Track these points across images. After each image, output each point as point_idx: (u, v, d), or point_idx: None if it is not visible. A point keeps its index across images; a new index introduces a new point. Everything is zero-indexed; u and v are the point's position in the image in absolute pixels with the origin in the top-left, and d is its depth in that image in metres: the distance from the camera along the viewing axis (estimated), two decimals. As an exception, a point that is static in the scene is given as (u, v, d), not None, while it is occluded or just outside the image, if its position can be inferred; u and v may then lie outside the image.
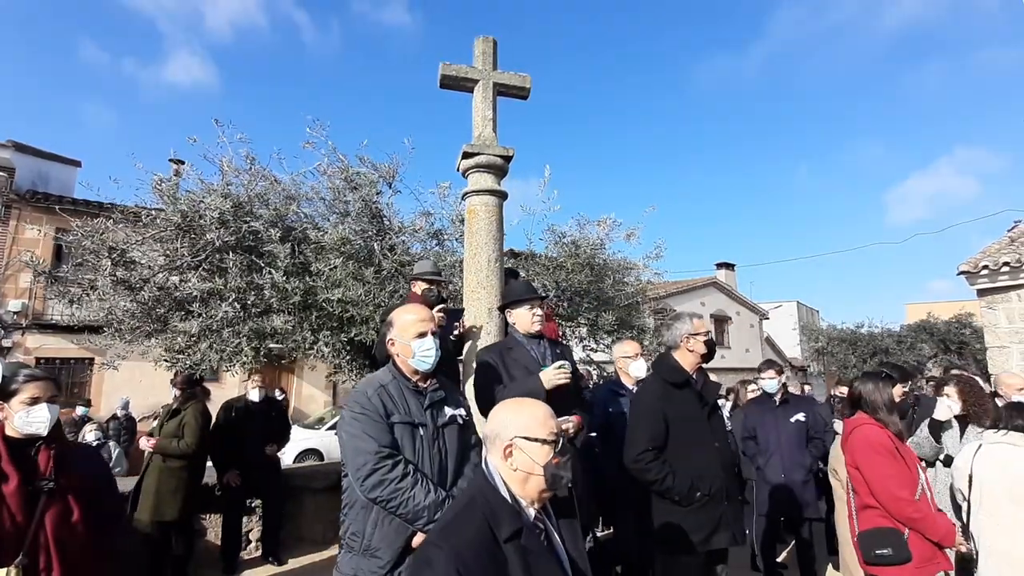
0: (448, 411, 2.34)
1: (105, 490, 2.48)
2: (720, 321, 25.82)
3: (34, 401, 2.19)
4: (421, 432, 2.22)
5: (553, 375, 2.71)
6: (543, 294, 3.18)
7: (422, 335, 2.28)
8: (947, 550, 2.66)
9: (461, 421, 2.36)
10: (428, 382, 2.34)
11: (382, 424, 2.15)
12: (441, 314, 3.55)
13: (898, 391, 3.98)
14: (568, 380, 2.75)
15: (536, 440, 1.45)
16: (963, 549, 2.73)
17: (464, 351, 3.59)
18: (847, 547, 3.25)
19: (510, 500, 1.46)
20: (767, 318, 29.35)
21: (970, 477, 2.80)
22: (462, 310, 3.75)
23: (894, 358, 18.98)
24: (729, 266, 28.45)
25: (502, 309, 3.21)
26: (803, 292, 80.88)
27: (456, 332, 3.62)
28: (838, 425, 3.85)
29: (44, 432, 2.20)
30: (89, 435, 7.95)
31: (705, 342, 2.87)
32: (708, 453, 2.75)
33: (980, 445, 2.86)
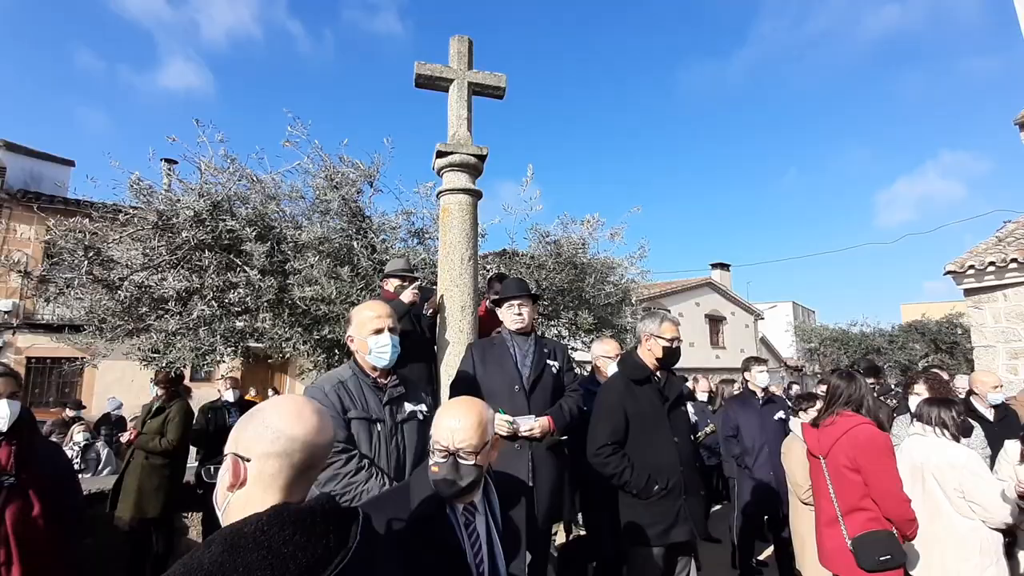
0: (408, 407, 2.35)
1: (66, 486, 2.50)
2: (715, 321, 25.85)
3: None
4: (379, 427, 2.24)
5: (501, 422, 2.71)
6: (533, 292, 3.19)
7: (378, 331, 2.28)
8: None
9: (421, 417, 2.37)
10: (388, 378, 2.36)
11: (338, 419, 2.16)
12: (415, 291, 3.60)
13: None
14: (531, 435, 2.76)
15: (433, 440, 1.53)
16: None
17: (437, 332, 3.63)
18: (808, 551, 3.28)
19: (433, 488, 1.53)
20: (762, 318, 29.39)
21: None
22: (432, 289, 3.79)
23: (886, 358, 19.02)
24: (724, 266, 28.48)
25: (495, 305, 3.27)
26: (800, 293, 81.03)
27: (428, 311, 3.66)
28: (793, 423, 3.88)
29: (4, 428, 2.22)
30: (77, 435, 7.93)
31: (664, 347, 2.86)
32: (666, 448, 2.78)
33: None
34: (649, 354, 2.92)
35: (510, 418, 2.72)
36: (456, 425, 1.50)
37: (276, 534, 0.89)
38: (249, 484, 0.99)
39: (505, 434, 2.71)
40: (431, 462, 1.51)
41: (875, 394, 4.89)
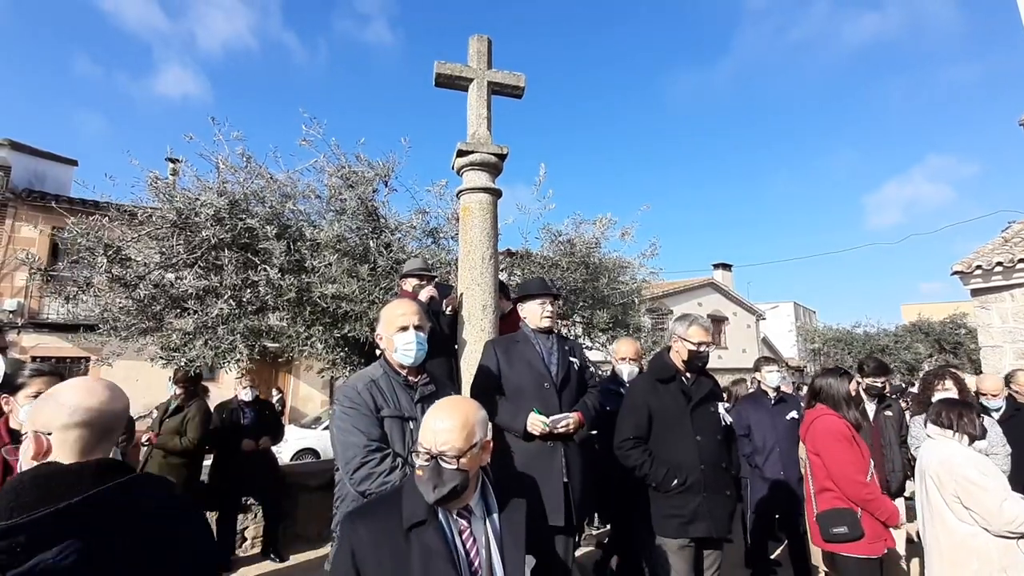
0: None
1: None
2: (717, 321, 25.87)
3: (39, 396, 2.24)
4: (411, 426, 2.23)
5: (536, 423, 2.71)
6: (556, 292, 3.21)
7: (403, 329, 2.28)
8: (892, 529, 2.94)
9: None
10: (419, 376, 2.36)
11: (371, 418, 2.17)
12: (433, 290, 3.59)
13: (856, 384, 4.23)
14: (567, 431, 2.76)
15: (418, 442, 1.47)
16: (908, 529, 2.93)
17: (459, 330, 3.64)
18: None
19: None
20: (764, 318, 29.41)
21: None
22: (450, 287, 3.78)
23: (892, 357, 19.01)
24: (726, 266, 28.52)
25: (515, 303, 3.26)
26: (801, 293, 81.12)
27: (448, 308, 3.66)
28: None
29: None
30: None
31: (689, 350, 2.91)
32: (687, 446, 2.82)
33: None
34: (677, 355, 2.98)
35: (545, 418, 2.72)
36: (439, 427, 1.43)
37: (25, 491, 1.11)
38: (54, 452, 1.20)
39: (539, 434, 2.72)
40: (416, 465, 1.45)
41: (888, 392, 4.92)
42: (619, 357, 4.03)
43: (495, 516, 1.52)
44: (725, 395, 7.54)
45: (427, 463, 1.41)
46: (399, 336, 2.28)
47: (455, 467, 1.40)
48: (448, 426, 1.43)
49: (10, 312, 12.85)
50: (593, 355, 6.68)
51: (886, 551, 2.92)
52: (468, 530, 1.47)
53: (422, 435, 1.46)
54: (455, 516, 1.47)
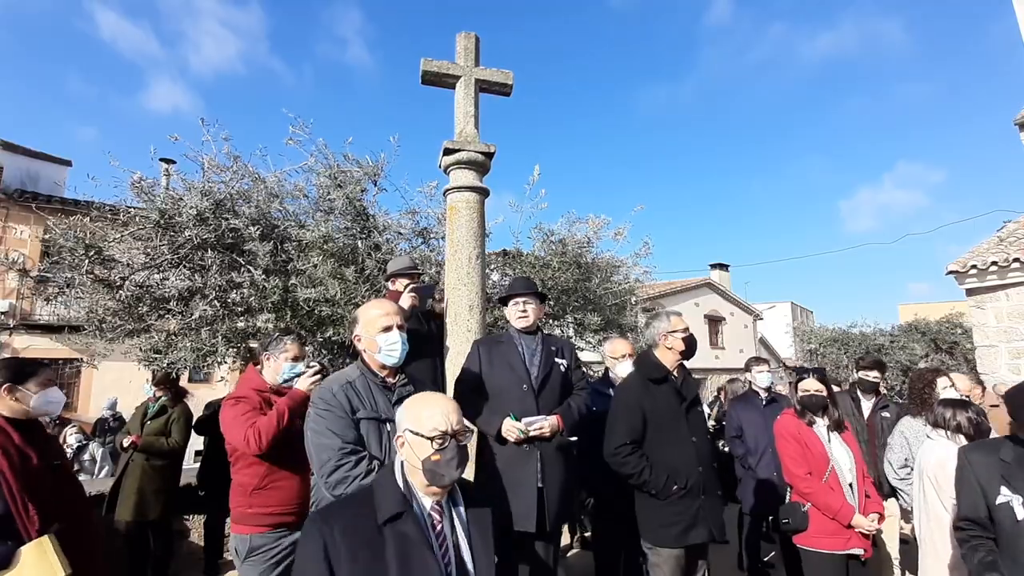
0: None
1: None
2: (714, 321, 25.85)
3: (47, 383, 2.32)
4: (388, 428, 2.17)
5: (511, 429, 2.64)
6: (537, 290, 3.14)
7: (387, 329, 2.23)
8: (865, 531, 2.88)
9: None
10: (397, 377, 2.31)
11: (346, 420, 2.11)
12: (414, 294, 3.54)
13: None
14: (541, 435, 2.69)
15: (419, 435, 1.50)
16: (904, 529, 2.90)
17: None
18: None
19: (402, 487, 1.51)
20: (761, 318, 29.40)
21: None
22: (433, 285, 3.73)
23: (888, 357, 19.02)
24: (723, 267, 28.51)
25: (500, 303, 3.24)
26: (798, 294, 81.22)
27: (437, 306, 3.61)
28: None
29: (58, 412, 2.33)
30: (70, 438, 7.76)
31: (684, 339, 2.87)
32: (684, 448, 2.76)
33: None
34: (669, 352, 2.91)
35: (521, 425, 2.64)
36: (448, 408, 1.52)
37: None
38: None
39: (513, 440, 2.66)
40: (427, 453, 1.46)
41: (886, 391, 4.88)
42: (618, 355, 3.92)
43: (461, 511, 1.58)
44: (720, 394, 7.53)
45: (447, 443, 1.47)
46: (383, 336, 2.23)
47: (465, 444, 1.52)
48: (453, 407, 1.54)
49: (2, 313, 12.77)
50: (585, 356, 6.63)
51: (860, 552, 2.89)
52: (440, 526, 1.51)
53: (432, 420, 1.49)
54: (429, 510, 1.51)
